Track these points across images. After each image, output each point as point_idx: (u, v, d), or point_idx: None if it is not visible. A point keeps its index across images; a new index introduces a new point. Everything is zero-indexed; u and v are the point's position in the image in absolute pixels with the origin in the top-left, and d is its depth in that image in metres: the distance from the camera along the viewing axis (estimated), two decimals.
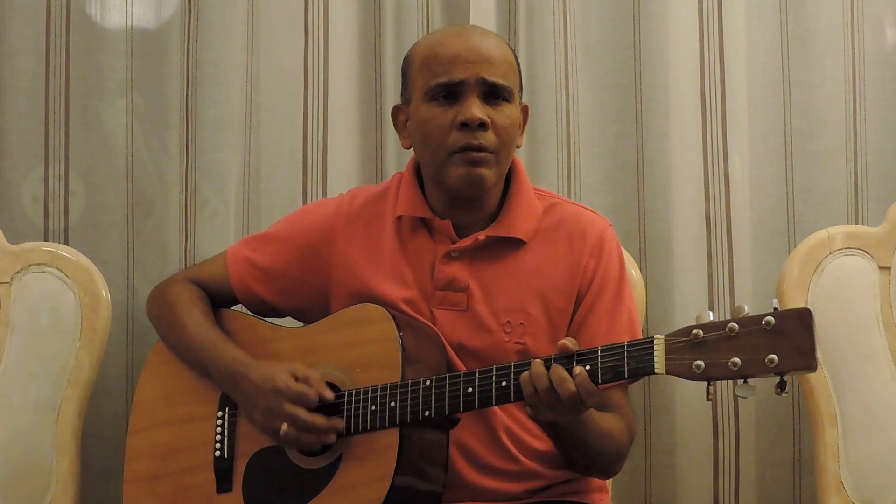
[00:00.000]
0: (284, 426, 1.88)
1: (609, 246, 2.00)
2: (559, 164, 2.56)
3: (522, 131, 2.03)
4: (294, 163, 2.58)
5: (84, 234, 2.55)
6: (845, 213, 2.57)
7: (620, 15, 2.60)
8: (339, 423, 1.88)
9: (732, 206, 2.56)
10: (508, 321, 1.95)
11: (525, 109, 2.03)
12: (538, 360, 1.74)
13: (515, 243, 1.98)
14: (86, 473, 2.37)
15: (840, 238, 2.34)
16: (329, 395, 1.89)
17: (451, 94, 1.93)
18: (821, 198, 2.58)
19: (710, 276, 2.56)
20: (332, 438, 1.88)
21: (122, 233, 2.56)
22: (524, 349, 1.94)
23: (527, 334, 1.95)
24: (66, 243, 2.51)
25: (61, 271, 2.34)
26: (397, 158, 2.58)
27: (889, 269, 2.34)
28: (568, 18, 2.57)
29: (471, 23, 2.54)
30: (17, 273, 2.34)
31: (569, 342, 1.73)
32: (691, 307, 2.52)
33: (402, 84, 2.04)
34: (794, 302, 2.29)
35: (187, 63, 2.55)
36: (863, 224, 2.55)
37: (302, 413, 1.87)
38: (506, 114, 1.93)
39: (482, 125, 1.91)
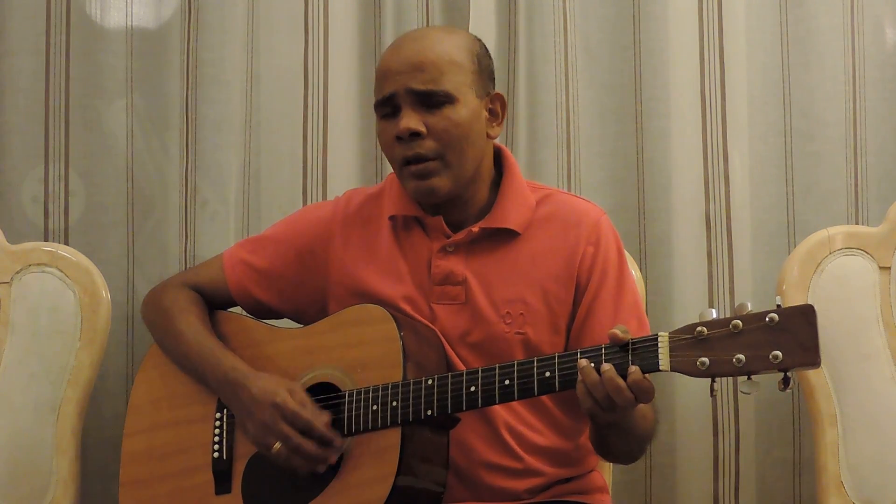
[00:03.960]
0: (277, 445, 1.87)
1: (605, 232, 2.00)
2: (559, 164, 2.56)
3: (500, 120, 2.01)
4: (294, 163, 2.58)
5: (84, 234, 2.55)
6: (845, 213, 2.57)
7: (620, 15, 2.60)
8: (332, 455, 1.87)
9: (732, 206, 2.56)
10: (508, 312, 1.95)
11: (499, 98, 2.00)
12: (586, 365, 1.72)
13: (510, 234, 1.98)
14: (86, 473, 2.37)
15: (840, 238, 2.34)
16: (326, 418, 1.87)
17: (391, 108, 1.93)
18: (821, 198, 2.58)
19: (710, 276, 2.56)
20: (321, 468, 1.87)
21: (122, 233, 2.56)
22: (525, 339, 1.95)
23: (527, 324, 1.95)
24: (66, 243, 2.51)
25: (61, 271, 2.34)
26: None
27: (889, 269, 2.34)
28: (568, 18, 2.57)
29: (470, 23, 2.55)
30: (17, 273, 2.34)
31: (619, 331, 1.72)
32: (691, 307, 2.53)
33: None
34: (794, 302, 2.29)
35: (187, 63, 2.55)
36: (863, 224, 2.55)
37: (296, 436, 1.86)
38: (445, 116, 1.91)
39: (415, 135, 1.91)
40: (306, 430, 1.86)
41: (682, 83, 2.57)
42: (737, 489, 2.54)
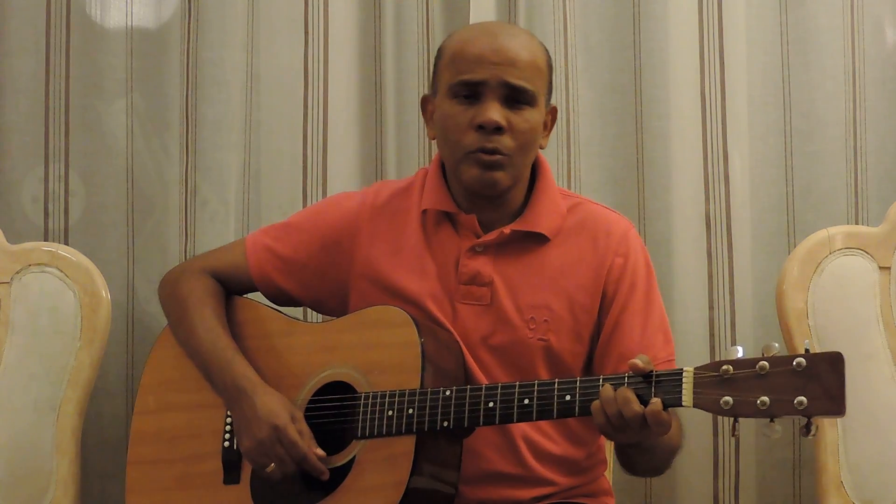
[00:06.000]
0: (272, 466, 1.88)
1: (634, 245, 2.00)
2: (559, 164, 2.56)
3: (549, 132, 2.02)
4: (294, 163, 2.58)
5: (84, 234, 2.54)
6: (845, 213, 2.57)
7: (620, 15, 2.60)
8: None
9: (732, 206, 2.56)
10: (532, 317, 1.94)
11: (553, 111, 2.03)
12: (608, 385, 1.72)
13: (540, 239, 1.98)
14: (86, 474, 2.37)
15: (840, 238, 2.34)
16: (320, 454, 1.88)
17: (472, 93, 1.92)
18: (821, 198, 2.58)
19: (710, 276, 2.56)
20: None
21: (122, 233, 2.56)
22: (548, 346, 1.94)
23: (550, 331, 1.94)
24: (66, 243, 2.51)
25: (61, 271, 2.34)
26: (397, 158, 2.59)
27: (889, 269, 2.34)
28: (568, 18, 2.57)
29: (470, 23, 2.54)
30: (17, 273, 2.34)
31: (640, 361, 1.71)
32: (691, 307, 2.53)
33: (433, 74, 2.03)
34: (793, 302, 2.29)
35: (187, 63, 2.55)
36: (863, 224, 2.55)
37: (290, 463, 1.87)
38: (525, 118, 1.92)
39: (498, 129, 1.90)
40: (300, 461, 1.87)
41: (682, 83, 2.57)
42: (737, 489, 2.54)
